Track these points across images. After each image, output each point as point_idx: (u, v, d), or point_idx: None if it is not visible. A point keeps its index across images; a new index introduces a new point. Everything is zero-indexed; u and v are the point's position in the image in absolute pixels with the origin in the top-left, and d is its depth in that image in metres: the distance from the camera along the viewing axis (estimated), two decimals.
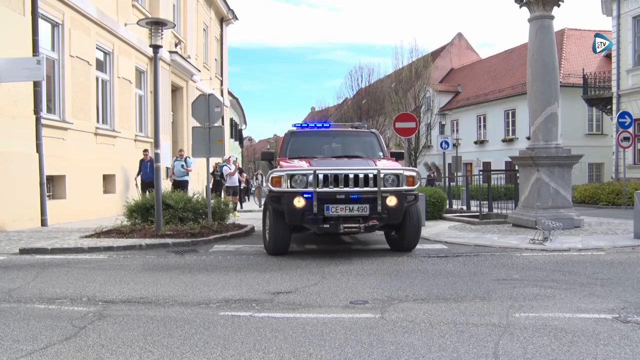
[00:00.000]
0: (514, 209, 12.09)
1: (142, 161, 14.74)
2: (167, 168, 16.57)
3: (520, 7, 11.06)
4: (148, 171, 14.22)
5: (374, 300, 4.80)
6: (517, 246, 8.21)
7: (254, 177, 30.31)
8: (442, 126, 30.70)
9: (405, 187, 7.33)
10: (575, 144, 24.55)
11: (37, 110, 10.81)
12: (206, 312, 4.44)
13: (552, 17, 10.73)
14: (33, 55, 10.46)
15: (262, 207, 8.58)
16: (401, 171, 7.44)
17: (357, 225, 7.11)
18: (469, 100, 38.53)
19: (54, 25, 11.90)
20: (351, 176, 7.12)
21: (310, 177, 7.07)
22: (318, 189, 7.03)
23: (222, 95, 26.94)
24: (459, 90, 41.54)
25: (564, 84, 26.47)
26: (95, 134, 13.49)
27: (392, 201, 7.17)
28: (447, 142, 23.48)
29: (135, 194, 13.58)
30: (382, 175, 7.16)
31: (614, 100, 23.35)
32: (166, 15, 16.94)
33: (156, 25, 9.23)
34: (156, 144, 9.60)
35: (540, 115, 10.72)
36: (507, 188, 15.94)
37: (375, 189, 7.09)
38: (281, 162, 8.14)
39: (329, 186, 7.09)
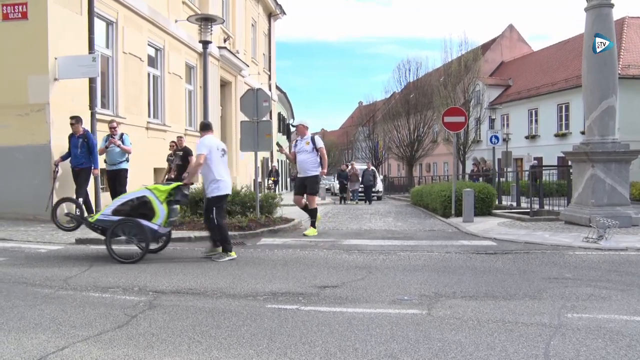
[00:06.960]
0: (566, 206, 11.69)
1: (71, 138, 9.87)
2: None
3: None
4: (78, 153, 9.73)
5: (421, 296, 4.75)
6: (570, 244, 7.94)
7: None
8: (491, 120, 29.86)
9: None
10: (635, 138, 23.25)
11: (92, 105, 11.15)
12: (253, 305, 4.49)
13: (611, 5, 10.27)
14: (89, 53, 10.83)
15: None
16: None
17: None
18: (520, 94, 37.42)
19: (109, 23, 12.27)
20: None
21: None
22: None
23: (270, 89, 27.14)
24: (510, 84, 40.39)
25: (622, 75, 25.28)
26: (147, 129, 13.84)
27: None
28: (497, 137, 22.87)
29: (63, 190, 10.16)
30: None
31: None
32: (215, 11, 17.16)
33: (205, 21, 9.43)
34: None
35: (596, 109, 10.30)
36: (559, 184, 15.44)
37: None
38: None
39: None
